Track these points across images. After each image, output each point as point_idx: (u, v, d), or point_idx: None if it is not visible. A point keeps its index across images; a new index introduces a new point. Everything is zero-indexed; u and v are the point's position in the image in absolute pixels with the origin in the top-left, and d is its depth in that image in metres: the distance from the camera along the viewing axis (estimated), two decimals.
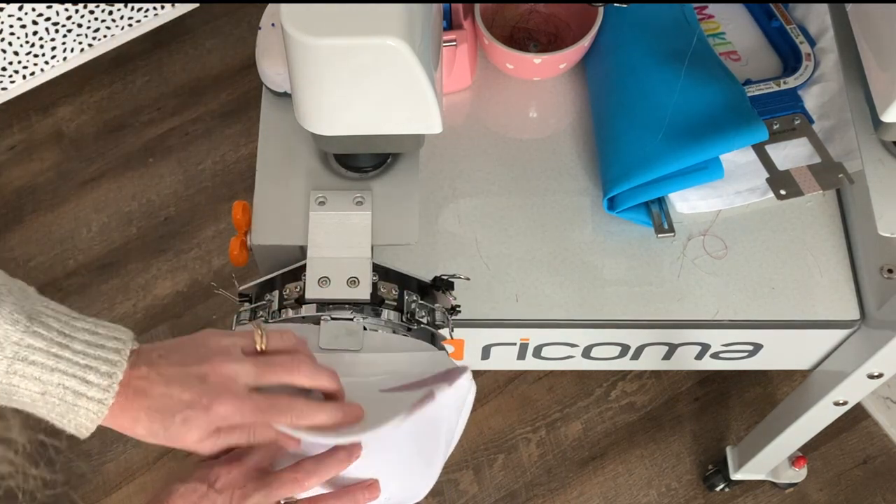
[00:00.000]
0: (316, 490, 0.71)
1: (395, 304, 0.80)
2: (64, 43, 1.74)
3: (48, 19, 1.67)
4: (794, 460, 1.35)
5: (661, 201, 0.98)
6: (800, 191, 0.92)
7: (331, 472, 0.70)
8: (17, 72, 1.74)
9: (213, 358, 0.66)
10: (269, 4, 0.91)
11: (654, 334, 1.00)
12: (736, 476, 1.41)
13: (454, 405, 0.75)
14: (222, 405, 0.65)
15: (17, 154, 1.77)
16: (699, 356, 1.05)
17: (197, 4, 1.87)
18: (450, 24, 1.03)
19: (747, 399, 1.55)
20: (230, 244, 0.85)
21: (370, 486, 0.72)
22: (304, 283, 0.79)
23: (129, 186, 1.73)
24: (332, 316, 0.78)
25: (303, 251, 0.82)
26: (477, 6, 1.03)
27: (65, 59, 1.77)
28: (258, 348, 0.69)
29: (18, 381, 0.61)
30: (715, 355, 1.05)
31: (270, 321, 0.79)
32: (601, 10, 1.02)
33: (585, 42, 1.01)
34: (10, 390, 0.61)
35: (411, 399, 0.69)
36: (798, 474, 1.38)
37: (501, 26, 1.09)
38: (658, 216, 0.97)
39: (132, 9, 1.77)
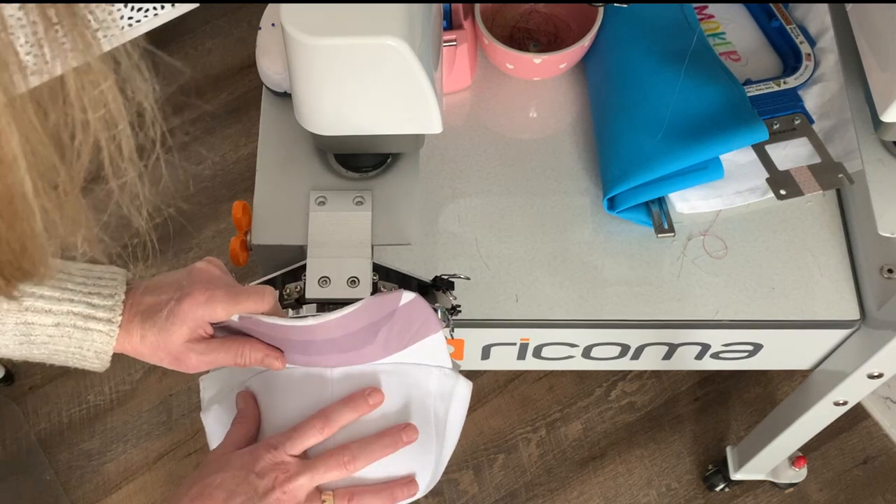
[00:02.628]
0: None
1: None
2: None
3: None
4: (794, 460, 1.35)
5: (661, 201, 0.98)
6: (800, 191, 0.92)
7: (377, 455, 0.71)
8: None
9: (196, 267, 0.72)
10: (269, 4, 0.91)
11: (654, 334, 1.00)
12: (736, 476, 1.40)
13: (437, 392, 0.75)
14: (200, 284, 0.69)
15: None
16: (699, 356, 1.05)
17: (197, 4, 1.87)
18: (450, 24, 1.03)
19: (747, 399, 1.55)
20: (230, 244, 0.85)
21: (409, 482, 0.73)
22: (305, 282, 0.79)
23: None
24: None
25: (303, 251, 0.82)
26: (477, 6, 1.03)
27: None
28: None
29: (33, 316, 0.64)
30: (715, 355, 1.05)
31: None
32: (601, 10, 1.02)
33: (585, 42, 1.01)
34: (27, 330, 0.64)
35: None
36: (798, 474, 1.38)
37: (501, 26, 1.09)
38: (658, 216, 0.97)
39: (132, 9, 1.77)
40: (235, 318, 0.71)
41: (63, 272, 0.66)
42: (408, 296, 0.72)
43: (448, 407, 0.76)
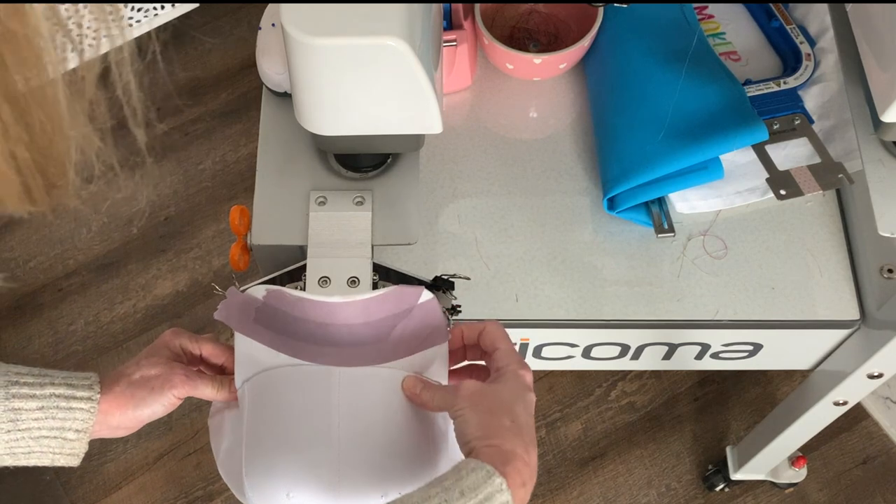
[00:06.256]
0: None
1: None
2: None
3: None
4: (794, 460, 1.35)
5: (661, 201, 0.98)
6: (800, 191, 0.92)
7: None
8: None
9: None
10: (269, 4, 0.91)
11: (654, 334, 1.00)
12: (736, 476, 1.41)
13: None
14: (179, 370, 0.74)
15: None
16: (699, 356, 1.05)
17: (197, 4, 1.87)
18: (450, 24, 1.03)
19: (747, 399, 1.55)
20: (230, 251, 0.85)
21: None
22: (305, 282, 0.79)
23: (129, 186, 1.73)
24: None
25: (303, 251, 0.82)
26: (477, 6, 1.03)
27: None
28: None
29: (19, 402, 0.68)
30: (715, 355, 1.05)
31: None
32: (601, 10, 1.02)
33: (585, 42, 1.01)
34: (14, 416, 0.69)
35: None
36: (798, 474, 1.38)
37: (501, 26, 1.09)
38: (658, 216, 0.97)
39: (132, 9, 1.77)
40: (263, 292, 0.73)
41: (41, 371, 0.71)
42: (426, 295, 0.74)
43: (447, 422, 0.76)
